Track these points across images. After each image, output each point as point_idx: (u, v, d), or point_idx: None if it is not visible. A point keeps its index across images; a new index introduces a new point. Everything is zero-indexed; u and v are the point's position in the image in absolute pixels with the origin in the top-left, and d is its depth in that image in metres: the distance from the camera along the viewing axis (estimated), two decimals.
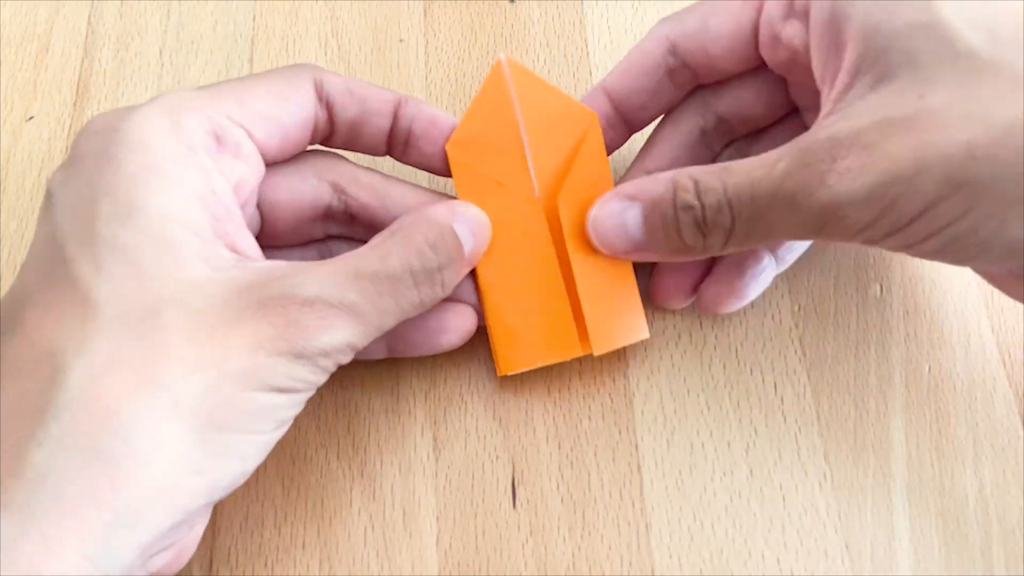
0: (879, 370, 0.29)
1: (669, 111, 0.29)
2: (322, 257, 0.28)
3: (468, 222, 0.26)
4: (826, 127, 0.23)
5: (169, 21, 0.36)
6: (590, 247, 0.27)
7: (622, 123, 0.29)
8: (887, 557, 0.26)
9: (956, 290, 0.30)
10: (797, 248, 0.29)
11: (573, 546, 0.27)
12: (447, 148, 0.27)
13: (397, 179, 0.28)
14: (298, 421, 0.28)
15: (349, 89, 0.26)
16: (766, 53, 0.27)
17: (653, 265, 0.30)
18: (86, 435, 0.19)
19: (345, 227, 0.28)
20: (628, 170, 0.29)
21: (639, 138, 0.30)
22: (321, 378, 0.23)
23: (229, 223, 0.23)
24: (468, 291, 0.28)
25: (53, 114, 0.34)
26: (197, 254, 0.22)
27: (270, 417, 0.22)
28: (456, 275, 0.26)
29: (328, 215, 0.27)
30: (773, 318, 0.30)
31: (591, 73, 0.35)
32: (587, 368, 0.29)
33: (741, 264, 0.28)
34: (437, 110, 0.27)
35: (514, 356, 0.28)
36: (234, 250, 0.23)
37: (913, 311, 0.30)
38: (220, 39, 0.36)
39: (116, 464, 0.19)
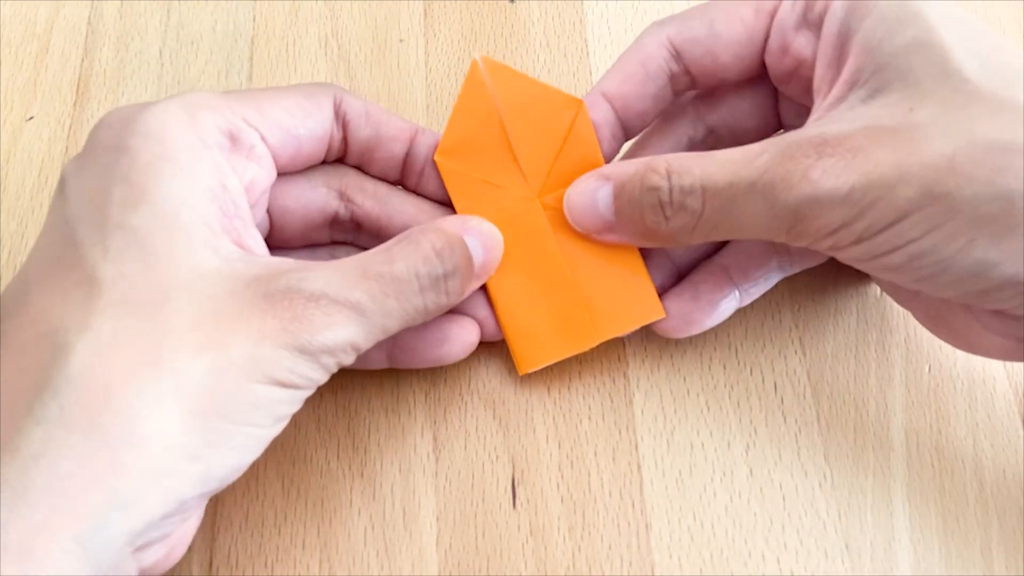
0: (879, 370, 0.29)
1: (660, 118, 0.29)
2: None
3: (479, 235, 0.26)
4: (811, 127, 0.23)
5: (169, 21, 0.36)
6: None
7: (622, 131, 0.29)
8: (887, 557, 0.27)
9: None
10: (763, 283, 0.29)
11: (573, 546, 0.27)
12: (436, 158, 0.27)
13: (403, 190, 0.28)
14: (298, 421, 0.28)
15: (367, 112, 0.27)
16: (772, 61, 0.26)
17: None
18: (85, 414, 0.19)
19: (351, 235, 0.28)
20: None
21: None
22: (322, 376, 0.23)
23: (237, 219, 0.23)
24: (476, 305, 0.28)
25: (53, 114, 0.34)
26: (206, 243, 0.22)
27: (269, 411, 0.22)
28: (463, 285, 0.25)
29: (335, 222, 0.28)
30: (773, 318, 0.30)
31: (591, 73, 0.35)
32: (587, 368, 0.29)
33: (697, 290, 0.28)
34: None
35: (532, 354, 0.28)
36: (241, 246, 0.23)
37: None
38: (220, 39, 0.36)
39: (114, 444, 0.19)
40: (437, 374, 0.29)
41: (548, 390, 0.29)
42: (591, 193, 0.26)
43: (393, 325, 0.24)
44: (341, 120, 0.27)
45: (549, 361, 0.28)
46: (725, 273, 0.28)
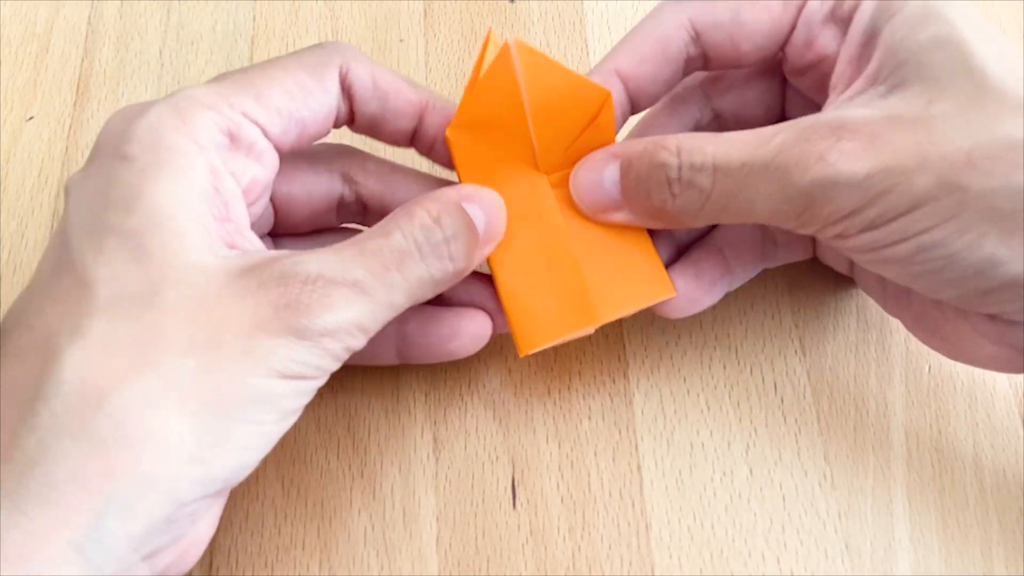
0: (879, 370, 0.29)
1: (666, 99, 0.29)
2: None
3: (479, 200, 0.25)
4: (830, 112, 0.23)
5: (169, 21, 0.36)
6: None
7: (630, 110, 0.28)
8: (887, 557, 0.27)
9: None
10: (750, 269, 0.29)
11: (573, 546, 0.27)
12: (447, 132, 0.26)
13: (407, 170, 0.28)
14: (298, 421, 0.28)
15: (374, 82, 0.26)
16: (793, 54, 0.26)
17: None
18: (77, 419, 0.19)
19: (359, 217, 0.28)
20: None
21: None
22: (329, 363, 0.22)
23: (229, 223, 0.23)
24: (485, 296, 0.27)
25: (53, 114, 0.34)
26: (201, 241, 0.22)
27: (273, 406, 0.21)
28: (468, 249, 0.24)
29: (341, 205, 0.28)
30: (773, 318, 0.30)
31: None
32: (587, 368, 0.29)
33: (699, 268, 0.28)
34: None
35: (532, 333, 0.26)
36: (234, 248, 0.23)
37: None
38: (220, 39, 0.36)
39: (107, 449, 0.19)
40: (437, 374, 0.29)
41: (548, 390, 0.29)
42: (598, 171, 0.26)
43: (400, 299, 0.23)
44: (347, 91, 0.26)
45: (550, 340, 0.26)
46: (721, 254, 0.28)
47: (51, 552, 0.18)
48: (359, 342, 0.22)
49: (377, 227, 0.23)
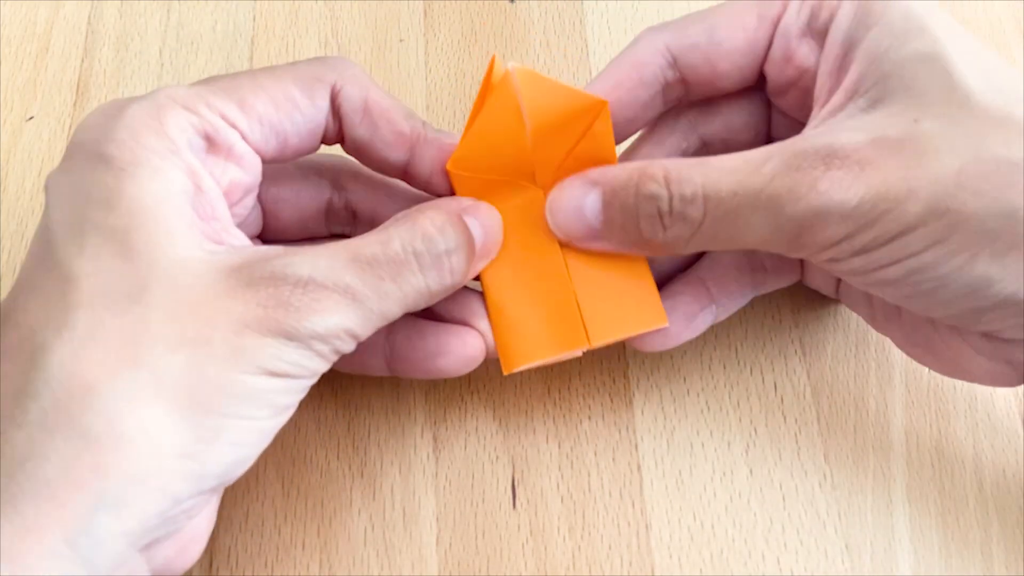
0: (879, 370, 0.29)
1: (651, 127, 0.28)
2: None
3: (477, 215, 0.25)
4: (818, 136, 0.23)
5: (169, 21, 0.36)
6: None
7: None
8: (887, 557, 0.27)
9: None
10: (739, 299, 0.28)
11: (573, 546, 0.27)
12: (448, 168, 0.26)
13: (397, 180, 0.27)
14: (298, 421, 0.28)
15: (366, 106, 0.25)
16: (773, 71, 0.26)
17: None
18: (66, 415, 0.19)
19: (348, 225, 0.28)
20: None
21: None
22: (319, 364, 0.22)
23: (214, 221, 0.23)
24: (478, 314, 0.26)
25: (53, 114, 0.34)
26: (186, 237, 0.21)
27: (264, 402, 0.21)
28: (466, 263, 0.24)
29: (330, 211, 0.27)
30: (773, 318, 0.30)
31: (591, 73, 0.35)
32: (587, 368, 0.29)
33: (676, 301, 0.27)
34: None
35: (517, 351, 0.26)
36: (221, 245, 0.23)
37: None
38: (220, 39, 0.36)
39: (97, 445, 0.19)
40: None
41: (548, 390, 0.29)
42: (578, 199, 0.25)
43: (393, 309, 0.23)
44: (336, 112, 0.25)
45: (534, 360, 0.26)
46: (703, 286, 0.28)
47: (45, 548, 0.18)
48: (349, 346, 0.22)
49: (374, 233, 0.23)
